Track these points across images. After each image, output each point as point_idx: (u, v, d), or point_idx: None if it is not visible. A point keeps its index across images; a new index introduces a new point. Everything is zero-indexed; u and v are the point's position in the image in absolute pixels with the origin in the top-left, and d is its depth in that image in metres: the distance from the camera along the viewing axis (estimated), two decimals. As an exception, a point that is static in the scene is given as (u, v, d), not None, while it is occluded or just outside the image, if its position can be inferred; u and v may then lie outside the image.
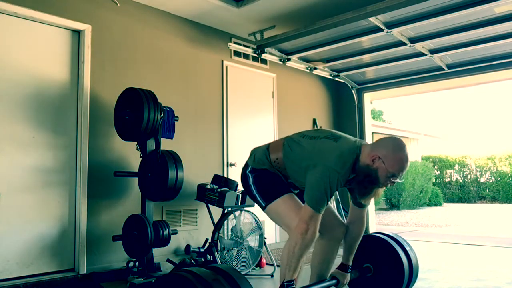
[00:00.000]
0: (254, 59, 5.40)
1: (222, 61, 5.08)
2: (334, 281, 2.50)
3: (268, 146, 2.47)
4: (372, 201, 6.98)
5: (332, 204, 6.06)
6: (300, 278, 2.50)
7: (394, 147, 2.18)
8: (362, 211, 2.55)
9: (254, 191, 2.41)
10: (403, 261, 2.78)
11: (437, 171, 16.47)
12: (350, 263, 2.58)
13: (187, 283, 1.75)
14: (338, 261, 2.63)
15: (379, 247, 2.89)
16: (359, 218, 2.55)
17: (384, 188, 2.28)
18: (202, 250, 4.03)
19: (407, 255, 2.84)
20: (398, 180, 2.18)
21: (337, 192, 6.07)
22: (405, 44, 4.38)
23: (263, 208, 2.40)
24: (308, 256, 2.50)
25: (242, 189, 2.62)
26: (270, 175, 2.40)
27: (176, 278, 1.82)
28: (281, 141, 2.45)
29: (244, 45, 4.89)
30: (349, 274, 2.57)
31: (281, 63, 5.02)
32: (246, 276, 3.82)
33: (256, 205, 2.57)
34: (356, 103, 6.24)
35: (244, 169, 2.50)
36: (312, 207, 2.14)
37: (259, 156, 2.45)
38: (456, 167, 16.41)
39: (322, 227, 2.45)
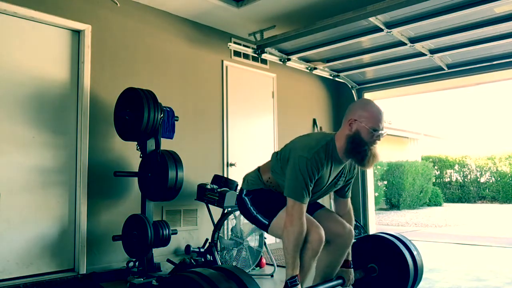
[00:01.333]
0: (254, 59, 5.40)
1: (222, 61, 5.08)
2: (340, 281, 2.50)
3: (259, 168, 2.51)
4: (372, 201, 6.90)
5: (333, 204, 6.05)
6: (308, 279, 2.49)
7: (363, 105, 2.29)
8: (347, 202, 2.58)
9: (254, 212, 2.41)
10: (408, 262, 2.77)
11: (437, 171, 16.48)
12: (350, 258, 2.58)
13: (198, 287, 1.68)
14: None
15: (385, 248, 2.88)
16: (346, 210, 2.58)
17: (376, 147, 2.27)
18: (202, 250, 4.03)
19: (412, 256, 2.83)
20: (381, 133, 2.22)
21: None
22: (405, 44, 4.38)
23: (267, 227, 2.35)
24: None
25: (239, 210, 2.61)
26: (266, 193, 2.42)
27: (185, 280, 1.75)
28: (269, 161, 2.49)
29: (244, 45, 4.89)
30: (352, 269, 2.57)
31: (281, 63, 5.02)
32: (246, 276, 3.83)
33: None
34: (356, 103, 6.22)
35: (240, 194, 2.52)
36: (292, 197, 2.17)
37: (252, 179, 2.48)
38: (456, 167, 16.41)
39: (331, 234, 2.43)
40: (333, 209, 2.66)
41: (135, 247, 3.48)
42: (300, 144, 2.29)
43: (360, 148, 2.21)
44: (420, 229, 8.17)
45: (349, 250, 2.56)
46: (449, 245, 5.84)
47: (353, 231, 2.52)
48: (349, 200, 2.59)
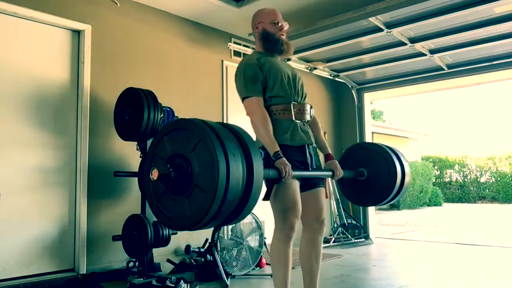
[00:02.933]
0: (254, 59, 5.39)
1: (222, 61, 5.08)
2: (330, 173, 2.54)
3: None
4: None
5: (333, 204, 6.06)
6: (293, 282, 2.49)
7: (258, 12, 2.59)
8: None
9: None
10: (396, 170, 2.74)
11: (437, 171, 16.47)
12: (330, 151, 2.65)
13: (200, 131, 1.80)
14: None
15: (375, 154, 2.84)
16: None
17: (285, 36, 2.54)
18: (202, 250, 4.04)
19: (401, 164, 2.80)
20: (283, 25, 2.52)
21: (336, 191, 6.07)
22: (405, 44, 4.38)
23: None
24: (296, 258, 2.47)
25: None
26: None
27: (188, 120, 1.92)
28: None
29: (244, 45, 4.89)
30: (336, 160, 2.61)
31: (281, 63, 5.01)
32: (246, 276, 3.83)
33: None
34: (356, 103, 6.24)
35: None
36: (244, 95, 2.42)
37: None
38: (456, 167, 16.41)
39: (304, 215, 2.46)
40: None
41: (135, 247, 3.48)
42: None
43: (271, 38, 2.50)
44: (420, 229, 8.17)
45: (322, 143, 2.66)
46: (449, 245, 5.84)
47: (323, 221, 2.53)
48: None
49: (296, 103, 2.48)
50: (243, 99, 2.45)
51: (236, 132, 1.91)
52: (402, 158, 2.85)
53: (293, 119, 2.44)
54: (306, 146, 2.48)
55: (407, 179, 2.81)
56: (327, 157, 2.63)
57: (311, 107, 2.60)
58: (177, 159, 1.83)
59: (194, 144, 1.80)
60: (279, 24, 2.52)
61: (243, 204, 1.82)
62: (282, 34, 2.53)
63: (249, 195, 1.81)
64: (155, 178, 1.77)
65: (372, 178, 2.81)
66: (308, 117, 2.55)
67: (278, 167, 2.20)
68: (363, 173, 2.83)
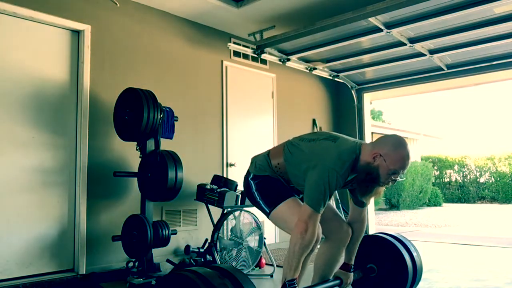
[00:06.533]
0: (254, 59, 5.40)
1: (222, 61, 5.08)
2: (337, 281, 2.50)
3: (268, 152, 2.49)
4: (372, 201, 6.96)
5: (333, 204, 6.05)
6: (303, 279, 2.50)
7: (395, 144, 2.19)
8: (363, 210, 2.56)
9: (258, 198, 2.41)
10: (407, 262, 2.78)
11: (437, 171, 16.48)
12: (353, 263, 2.58)
13: (192, 284, 1.72)
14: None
15: (383, 248, 2.89)
16: (360, 217, 2.56)
17: (385, 186, 2.29)
18: (201, 250, 4.03)
19: (411, 256, 2.84)
20: (399, 178, 2.19)
21: (336, 192, 6.07)
22: (404, 44, 4.37)
23: (268, 215, 2.38)
24: (312, 256, 2.50)
25: (243, 191, 2.62)
26: (272, 181, 2.40)
27: (180, 278, 1.79)
28: (281, 146, 2.47)
29: (243, 45, 4.88)
30: (352, 273, 2.58)
31: (281, 63, 5.01)
32: (245, 276, 3.83)
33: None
34: (355, 103, 6.23)
35: (246, 177, 2.50)
36: (311, 206, 2.14)
37: (260, 162, 2.45)
38: (456, 167, 16.42)
39: (328, 230, 2.47)
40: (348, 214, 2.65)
41: (134, 247, 3.48)
42: (332, 154, 2.21)
43: (371, 183, 2.20)
44: (419, 229, 8.17)
45: (351, 254, 2.57)
46: (449, 245, 5.84)
47: (350, 230, 2.52)
48: (365, 209, 2.57)
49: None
50: (307, 202, 2.16)
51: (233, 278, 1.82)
52: (410, 247, 2.88)
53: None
54: None
55: (419, 269, 2.85)
56: (344, 265, 2.58)
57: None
58: None
59: None
60: (393, 177, 2.18)
61: None
62: (384, 184, 2.22)
63: None
64: None
65: (384, 273, 2.83)
66: None
67: None
68: (373, 269, 2.86)
